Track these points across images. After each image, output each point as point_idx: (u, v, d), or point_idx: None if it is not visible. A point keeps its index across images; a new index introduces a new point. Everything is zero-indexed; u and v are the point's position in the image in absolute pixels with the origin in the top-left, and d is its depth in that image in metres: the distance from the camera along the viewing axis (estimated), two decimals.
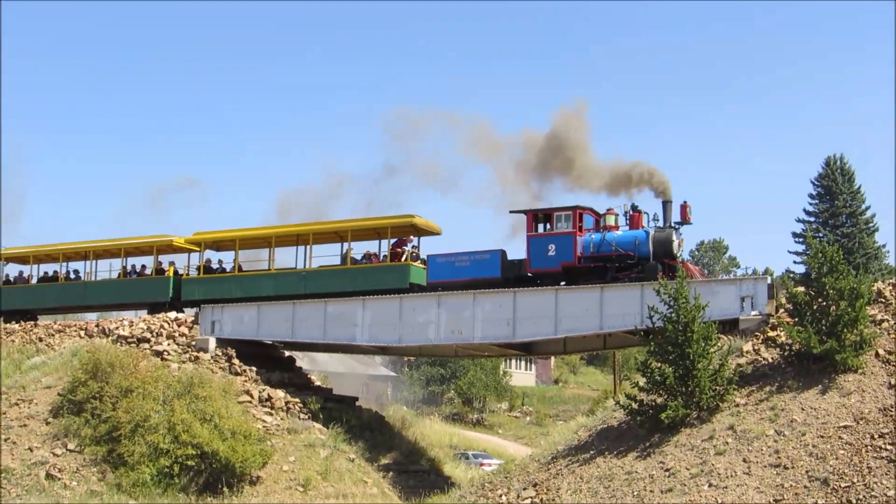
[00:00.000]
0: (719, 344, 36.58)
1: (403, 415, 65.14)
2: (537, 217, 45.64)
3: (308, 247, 52.49)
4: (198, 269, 55.20)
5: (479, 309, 45.10)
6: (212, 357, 49.01)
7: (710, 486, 30.98)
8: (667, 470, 32.38)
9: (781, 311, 38.63)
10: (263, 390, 47.56)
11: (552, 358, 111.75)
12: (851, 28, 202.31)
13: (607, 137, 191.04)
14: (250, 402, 46.25)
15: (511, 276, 45.88)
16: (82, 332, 51.72)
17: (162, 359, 48.09)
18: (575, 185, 50.40)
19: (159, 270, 55.61)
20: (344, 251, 51.92)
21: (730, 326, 39.53)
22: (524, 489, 34.42)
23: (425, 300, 46.51)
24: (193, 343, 50.10)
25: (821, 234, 79.18)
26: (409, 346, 49.16)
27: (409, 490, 45.83)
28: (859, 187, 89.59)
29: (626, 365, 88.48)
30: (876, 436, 31.16)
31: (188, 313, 53.34)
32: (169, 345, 49.71)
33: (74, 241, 58.94)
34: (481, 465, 61.48)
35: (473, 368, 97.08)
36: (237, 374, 48.10)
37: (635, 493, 31.76)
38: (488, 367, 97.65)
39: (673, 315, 35.19)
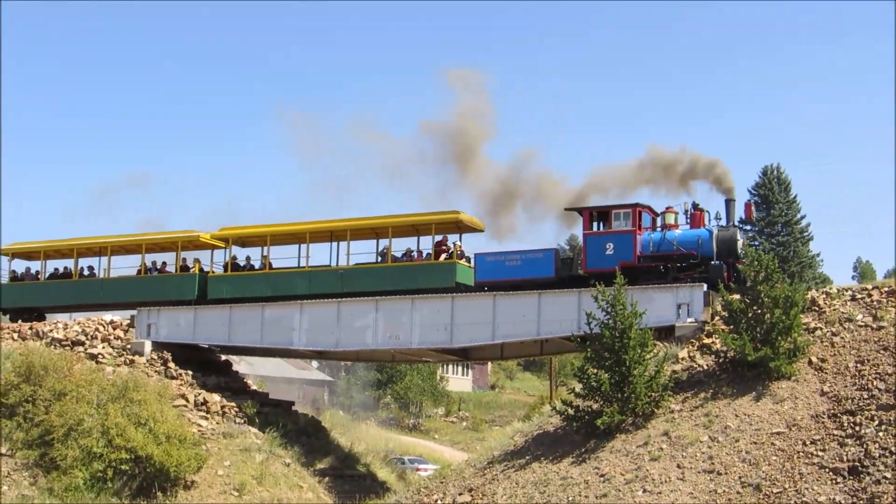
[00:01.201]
0: (655, 350, 36.83)
1: (340, 419, 65.07)
2: (593, 215, 44.03)
3: (346, 244, 50.09)
4: (225, 266, 52.89)
5: (417, 314, 45.14)
6: (147, 360, 48.58)
7: (645, 491, 31.18)
8: (602, 475, 32.53)
9: (717, 318, 38.96)
10: (199, 394, 47.29)
11: (489, 363, 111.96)
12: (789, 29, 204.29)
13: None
14: (186, 406, 45.97)
15: (565, 275, 44.40)
16: (15, 335, 50.58)
17: (97, 362, 47.56)
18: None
19: (184, 267, 53.11)
20: (381, 248, 50.01)
21: (666, 333, 39.83)
22: (460, 494, 34.44)
23: (363, 305, 46.41)
24: (129, 346, 49.51)
25: (757, 243, 79.88)
26: (347, 350, 49.05)
27: (345, 495, 45.78)
28: (795, 196, 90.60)
29: (563, 371, 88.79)
30: (808, 442, 31.53)
31: (123, 316, 52.44)
32: (104, 348, 49.09)
33: (89, 237, 56.31)
34: (417, 469, 61.46)
35: (410, 373, 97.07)
36: (173, 377, 47.79)
37: (570, 499, 31.89)
38: (425, 372, 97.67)
39: (610, 321, 35.36)
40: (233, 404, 47.71)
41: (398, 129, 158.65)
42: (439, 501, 34.68)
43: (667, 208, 44.12)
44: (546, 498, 32.30)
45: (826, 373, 34.68)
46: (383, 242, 49.55)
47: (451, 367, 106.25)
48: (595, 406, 35.25)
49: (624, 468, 32.57)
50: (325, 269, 49.57)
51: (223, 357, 54.43)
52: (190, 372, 48.56)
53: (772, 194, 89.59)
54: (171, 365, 48.53)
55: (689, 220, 43.50)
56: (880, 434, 30.77)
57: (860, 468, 29.83)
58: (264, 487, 43.18)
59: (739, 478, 30.76)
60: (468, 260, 46.71)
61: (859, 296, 38.43)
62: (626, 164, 49.37)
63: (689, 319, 40.00)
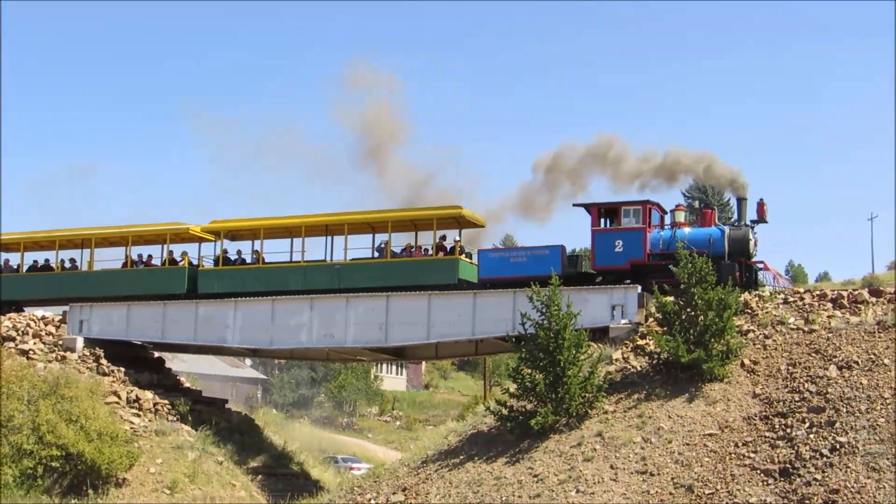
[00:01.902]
0: (589, 352, 36.96)
1: (273, 418, 64.80)
2: (601, 211, 43.51)
3: (344, 238, 48.49)
4: (216, 259, 51.01)
5: (352, 313, 45.01)
6: (79, 357, 47.96)
7: (578, 491, 31.26)
8: (535, 476, 32.59)
9: (651, 320, 39.17)
10: (131, 391, 46.80)
11: (423, 363, 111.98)
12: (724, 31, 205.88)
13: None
14: (118, 403, 45.49)
15: (572, 272, 43.71)
16: None
17: (28, 358, 46.86)
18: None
19: (172, 260, 51.52)
20: (378, 244, 48.87)
21: (600, 334, 39.96)
22: (393, 493, 34.38)
23: (298, 303, 46.20)
24: (60, 342, 48.87)
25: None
26: (281, 348, 48.85)
27: (278, 493, 45.54)
28: (728, 200, 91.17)
29: (497, 371, 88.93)
30: (740, 444, 31.78)
31: (55, 312, 51.57)
32: (35, 344, 48.42)
33: (71, 228, 54.21)
34: (350, 469, 61.36)
35: (345, 372, 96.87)
36: (105, 374, 47.23)
37: (504, 499, 31.91)
38: (359, 371, 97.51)
39: (545, 322, 35.43)
40: (165, 402, 47.27)
41: (313, 131, 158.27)
42: (373, 501, 34.59)
43: (676, 206, 43.96)
44: (479, 498, 32.31)
45: (758, 375, 34.99)
46: (380, 238, 48.85)
47: (385, 366, 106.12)
48: (529, 406, 35.29)
49: (557, 468, 32.64)
50: (321, 265, 48.36)
51: (156, 354, 53.82)
52: (122, 369, 47.95)
53: (705, 197, 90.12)
54: (104, 362, 47.86)
55: (699, 219, 43.49)
56: (811, 436, 31.07)
57: (791, 470, 30.11)
58: (196, 486, 42.87)
59: (672, 479, 30.94)
60: (468, 256, 46.06)
61: (791, 299, 38.83)
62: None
63: (623, 321, 40.21)
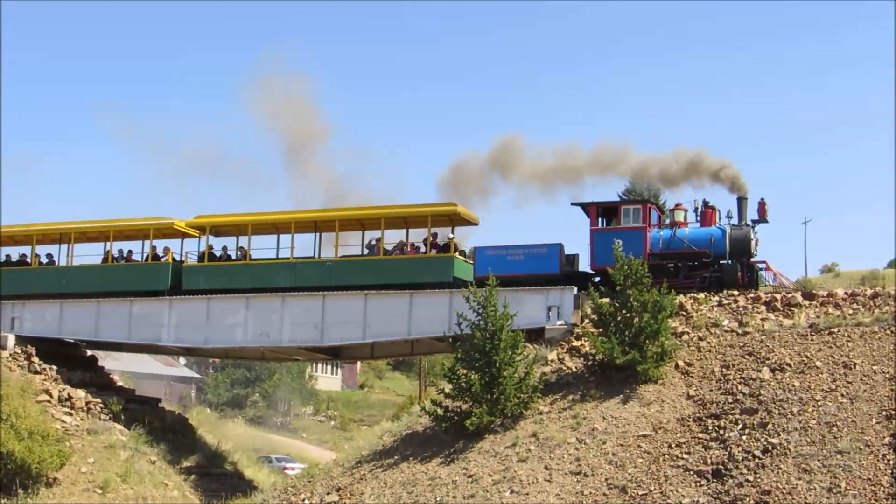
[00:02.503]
0: (525, 352, 37.01)
1: (207, 417, 64.46)
2: (600, 210, 43.20)
3: (335, 235, 47.41)
4: (201, 255, 49.36)
5: (288, 312, 44.84)
6: (10, 355, 47.27)
7: (512, 492, 31.31)
8: (470, 476, 32.60)
9: (586, 321, 39.29)
10: (63, 390, 46.27)
11: (358, 362, 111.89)
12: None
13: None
14: (49, 401, 45.00)
15: (570, 272, 43.27)
16: None
17: None
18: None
19: (155, 256, 49.76)
20: (369, 241, 47.75)
21: (536, 335, 40.06)
22: (328, 493, 34.27)
23: (233, 302, 45.96)
24: None
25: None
26: (216, 347, 48.57)
27: (211, 493, 45.27)
28: (664, 202, 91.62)
29: (432, 371, 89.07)
30: (673, 445, 31.97)
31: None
32: None
33: (49, 223, 52.14)
34: (284, 468, 61.22)
35: (279, 372, 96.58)
36: (36, 372, 46.69)
37: (438, 499, 31.90)
38: (294, 370, 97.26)
39: (481, 322, 35.46)
40: (98, 400, 46.78)
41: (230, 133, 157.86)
42: (307, 501, 34.47)
43: (676, 205, 43.70)
44: (414, 498, 32.29)
45: (692, 377, 35.23)
46: (369, 235, 48.06)
47: (320, 365, 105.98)
48: (464, 407, 35.30)
49: (492, 469, 32.67)
50: (312, 261, 47.25)
51: (89, 352, 53.29)
52: (54, 367, 47.37)
53: (641, 199, 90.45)
54: (35, 360, 47.24)
55: (698, 218, 42.98)
56: (744, 437, 31.31)
57: (724, 471, 30.32)
58: (129, 485, 42.53)
59: (606, 479, 31.06)
60: (462, 254, 45.40)
61: (726, 301, 39.08)
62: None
63: (559, 322, 40.36)
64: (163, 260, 49.29)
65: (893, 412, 31.26)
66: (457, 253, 44.85)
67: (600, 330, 36.65)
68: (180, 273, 48.38)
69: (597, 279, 42.57)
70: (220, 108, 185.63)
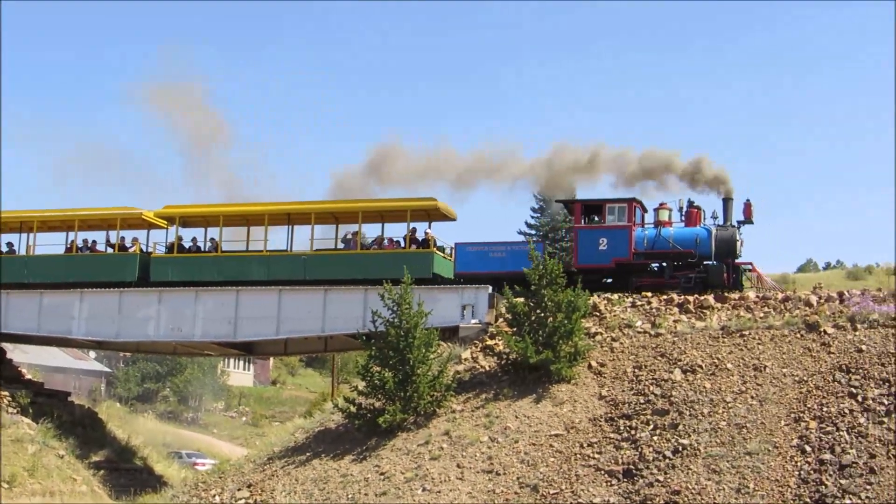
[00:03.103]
0: (439, 351, 37.05)
1: (117, 411, 63.86)
2: (584, 208, 42.64)
3: (311, 228, 46.41)
4: (169, 246, 48.21)
5: (201, 307, 44.50)
6: None
7: (424, 490, 31.30)
8: (382, 473, 32.56)
9: (501, 320, 39.39)
10: None
11: (271, 358, 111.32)
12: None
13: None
14: None
15: None
16: None
17: None
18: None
19: (122, 247, 48.28)
20: (345, 235, 46.80)
21: (450, 334, 40.10)
22: (238, 490, 34.07)
23: (146, 295, 45.49)
24: None
25: (539, 246, 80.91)
26: (128, 341, 48.07)
27: (120, 489, 44.86)
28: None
29: (345, 368, 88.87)
30: (585, 444, 32.13)
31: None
32: None
33: (10, 210, 50.42)
34: (195, 464, 60.67)
35: (191, 366, 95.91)
36: None
37: (350, 496, 31.83)
38: (206, 365, 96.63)
39: (396, 320, 35.43)
40: (5, 394, 46.24)
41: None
42: (217, 497, 34.24)
43: (660, 204, 43.07)
44: (325, 495, 32.19)
45: (605, 377, 35.43)
46: (343, 229, 47.32)
47: (232, 361, 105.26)
48: (378, 404, 35.27)
49: (404, 467, 32.66)
50: (287, 255, 46.32)
51: None
52: None
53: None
54: None
55: (683, 218, 42.64)
56: (654, 438, 31.54)
57: (634, 471, 30.52)
58: (36, 480, 42.08)
59: (518, 478, 31.15)
60: (441, 249, 44.73)
61: (639, 302, 39.35)
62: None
63: (473, 321, 40.41)
64: (130, 250, 48.10)
65: (802, 414, 31.67)
66: (436, 248, 44.33)
67: (514, 329, 36.74)
68: (147, 264, 47.15)
69: (579, 277, 42.37)
70: (114, 107, 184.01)
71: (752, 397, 32.70)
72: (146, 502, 40.06)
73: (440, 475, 31.82)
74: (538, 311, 36.22)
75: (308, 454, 35.14)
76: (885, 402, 31.42)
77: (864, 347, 34.22)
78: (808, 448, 30.21)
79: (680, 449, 30.86)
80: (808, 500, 28.54)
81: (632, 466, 30.70)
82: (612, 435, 32.35)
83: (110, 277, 47.17)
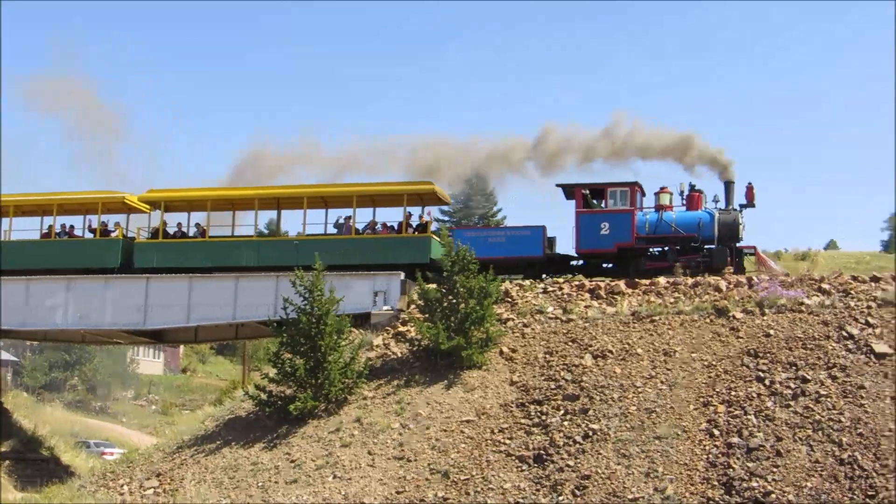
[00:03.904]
0: (351, 337, 36.97)
1: (23, 401, 63.01)
2: (585, 192, 42.05)
3: (303, 213, 45.32)
4: (154, 231, 46.33)
5: (110, 294, 43.87)
6: None
7: (335, 477, 31.22)
8: (293, 461, 32.42)
9: (413, 306, 39.37)
10: None
11: (181, 346, 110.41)
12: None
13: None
14: None
15: (555, 255, 42.52)
16: None
17: None
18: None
19: (105, 231, 46.62)
20: (338, 220, 45.52)
21: (362, 320, 39.98)
22: (147, 479, 33.73)
23: (54, 283, 44.72)
24: None
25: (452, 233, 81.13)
26: (34, 330, 47.27)
27: (27, 479, 44.30)
28: (493, 190, 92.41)
29: (256, 355, 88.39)
30: (496, 430, 32.22)
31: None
32: None
33: None
34: (103, 454, 60.03)
35: (100, 355, 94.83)
36: None
37: (260, 484, 31.66)
38: (115, 353, 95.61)
39: (307, 307, 35.26)
40: None
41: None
42: (126, 486, 33.85)
43: (661, 188, 42.88)
44: (236, 483, 31.99)
45: (516, 363, 35.54)
46: (333, 213, 46.34)
47: (142, 349, 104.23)
48: (289, 392, 35.11)
49: (315, 454, 32.54)
50: (278, 240, 45.30)
51: None
52: None
53: (470, 187, 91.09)
54: None
55: (684, 202, 42.39)
56: (565, 423, 31.70)
57: (545, 456, 30.65)
58: None
59: (429, 465, 31.17)
60: (436, 234, 43.62)
61: (551, 289, 39.51)
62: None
63: (385, 307, 40.33)
64: (113, 236, 46.79)
65: (710, 399, 32.00)
66: (432, 233, 43.77)
67: (426, 316, 36.74)
68: (130, 250, 45.85)
69: (580, 263, 42.37)
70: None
71: (661, 382, 33.00)
72: (53, 493, 39.57)
73: (351, 462, 31.75)
74: (450, 297, 36.25)
75: (218, 442, 34.89)
76: (792, 386, 31.89)
77: (771, 332, 34.71)
78: (716, 432, 30.56)
79: (590, 434, 31.05)
80: (716, 483, 28.87)
81: (542, 452, 30.83)
82: (523, 420, 32.47)
83: (92, 264, 45.74)
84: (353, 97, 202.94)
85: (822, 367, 32.62)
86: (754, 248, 42.49)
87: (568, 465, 30.06)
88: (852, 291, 36.71)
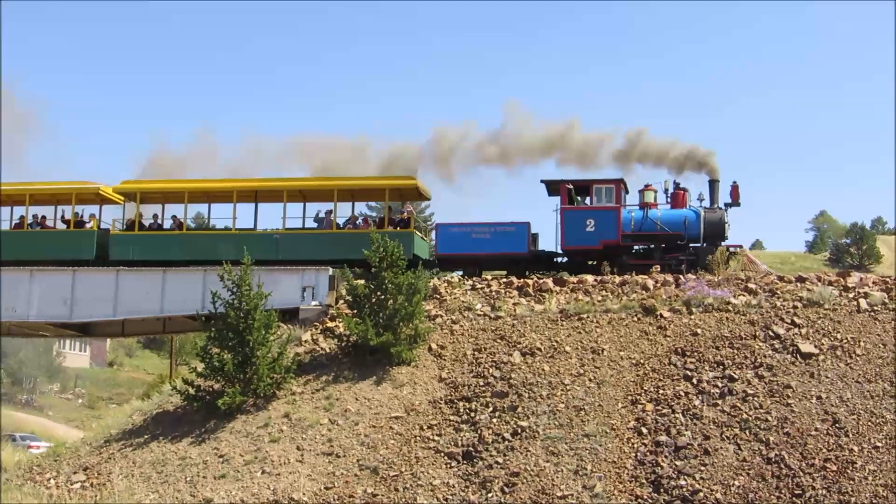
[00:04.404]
0: (279, 332, 36.86)
1: None
2: (570, 189, 41.85)
3: (283, 206, 44.73)
4: (129, 223, 45.68)
5: (36, 286, 43.47)
6: None
7: (264, 472, 31.10)
8: (221, 456, 32.26)
9: (341, 302, 39.31)
10: None
11: (108, 340, 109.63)
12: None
13: None
14: None
15: (540, 252, 42.33)
16: None
17: None
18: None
19: (79, 223, 46.12)
20: (318, 213, 45.29)
21: (290, 315, 39.90)
22: (74, 473, 33.43)
23: None
24: None
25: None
26: None
27: None
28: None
29: (184, 350, 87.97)
30: (425, 427, 32.25)
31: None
32: None
33: None
34: (29, 447, 59.43)
35: (25, 347, 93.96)
36: None
37: (188, 479, 31.47)
38: (41, 346, 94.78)
39: (235, 302, 35.09)
40: None
41: None
42: (52, 481, 33.53)
43: (645, 186, 42.82)
44: (164, 478, 31.77)
45: (445, 360, 35.59)
46: (311, 207, 46.13)
47: (68, 342, 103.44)
48: (217, 386, 34.92)
49: (243, 449, 32.40)
50: (258, 234, 44.48)
51: None
52: None
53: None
54: None
55: (668, 200, 42.41)
56: (494, 420, 31.79)
57: (474, 453, 30.70)
58: None
59: (358, 461, 31.13)
60: (418, 230, 43.75)
61: (479, 286, 39.64)
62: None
63: (313, 302, 40.33)
64: (87, 227, 46.14)
65: (638, 397, 32.24)
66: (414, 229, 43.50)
67: (355, 311, 36.69)
68: (105, 242, 45.27)
69: (564, 260, 42.37)
70: None
71: (590, 380, 33.19)
72: None
73: (280, 457, 31.66)
74: (379, 293, 36.22)
75: (146, 437, 34.66)
76: (719, 385, 32.21)
77: (699, 331, 35.05)
78: (644, 430, 30.79)
79: (519, 431, 31.15)
80: (644, 480, 29.07)
81: (471, 448, 30.89)
82: (451, 417, 32.52)
83: (65, 255, 45.09)
84: (249, 94, 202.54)
85: (749, 367, 32.99)
86: (740, 246, 42.89)
87: (497, 462, 30.14)
88: (779, 291, 37.17)
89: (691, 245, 41.68)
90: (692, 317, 35.97)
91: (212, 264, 41.73)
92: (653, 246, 42.04)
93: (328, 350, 37.31)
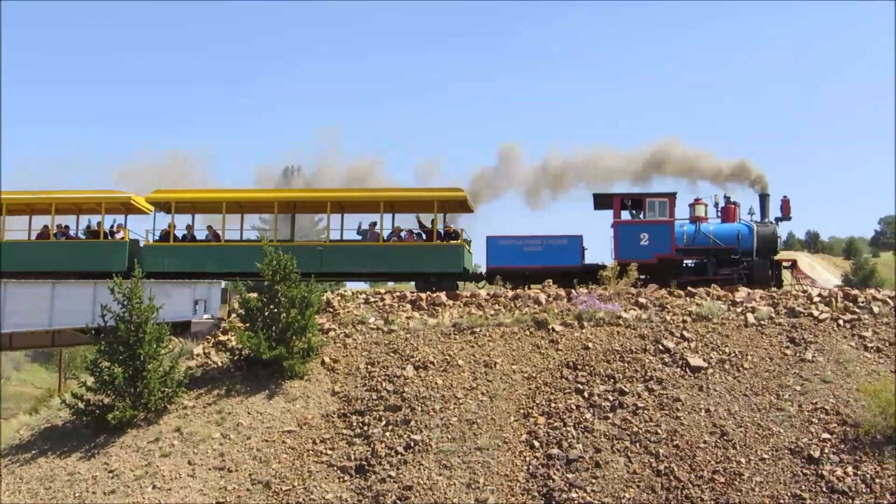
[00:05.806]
0: (171, 346, 36.58)
1: None
2: (625, 202, 41.74)
3: (326, 217, 44.37)
4: (163, 234, 44.91)
5: None
6: None
7: (154, 487, 30.82)
8: (111, 471, 31.91)
9: (234, 315, 39.15)
10: None
11: None
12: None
13: None
14: None
15: (591, 265, 41.73)
16: None
17: None
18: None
19: (107, 233, 45.24)
20: (362, 226, 44.57)
21: (182, 329, 39.68)
22: None
23: None
24: None
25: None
26: None
27: None
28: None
29: (73, 363, 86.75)
30: (318, 441, 32.19)
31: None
32: None
33: None
34: None
35: None
36: None
37: (77, 495, 31.07)
38: None
39: (126, 315, 34.75)
40: None
41: None
42: None
43: (696, 200, 42.85)
44: (52, 494, 31.34)
45: (338, 373, 35.62)
46: (351, 219, 45.34)
47: None
48: (107, 400, 34.56)
49: (134, 464, 32.09)
50: (300, 245, 43.65)
51: None
52: None
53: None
54: None
55: (719, 214, 42.33)
56: (387, 434, 31.84)
57: (367, 467, 30.71)
58: None
59: (250, 475, 30.98)
60: (467, 243, 43.18)
61: (373, 299, 39.75)
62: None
63: (206, 316, 40.13)
64: (118, 237, 45.15)
65: (530, 410, 32.49)
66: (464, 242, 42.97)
67: (247, 325, 36.55)
68: (135, 253, 44.22)
69: (598, 274, 41.74)
70: None
71: (482, 393, 33.38)
72: None
73: (171, 472, 31.40)
74: (271, 306, 36.12)
75: (34, 452, 34.16)
76: (611, 398, 32.56)
77: (590, 345, 35.44)
78: (536, 443, 31.01)
79: (412, 444, 31.23)
80: (536, 493, 29.26)
81: (364, 462, 30.90)
82: (344, 431, 32.52)
83: (96, 267, 43.85)
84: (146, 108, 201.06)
85: (640, 380, 33.43)
86: (794, 261, 43.33)
87: (390, 476, 30.17)
88: (668, 306, 37.73)
89: (745, 259, 41.94)
90: (584, 331, 36.38)
91: (248, 277, 41.38)
92: (706, 260, 42.22)
93: (220, 364, 37.14)
